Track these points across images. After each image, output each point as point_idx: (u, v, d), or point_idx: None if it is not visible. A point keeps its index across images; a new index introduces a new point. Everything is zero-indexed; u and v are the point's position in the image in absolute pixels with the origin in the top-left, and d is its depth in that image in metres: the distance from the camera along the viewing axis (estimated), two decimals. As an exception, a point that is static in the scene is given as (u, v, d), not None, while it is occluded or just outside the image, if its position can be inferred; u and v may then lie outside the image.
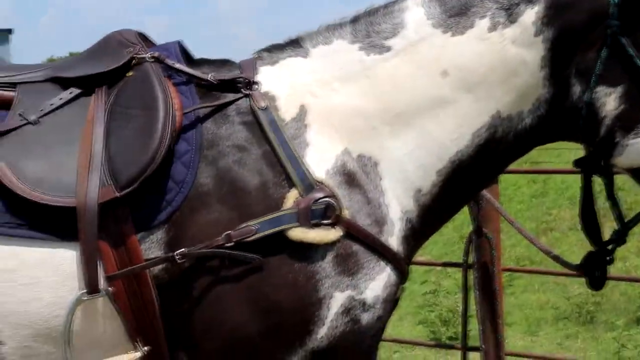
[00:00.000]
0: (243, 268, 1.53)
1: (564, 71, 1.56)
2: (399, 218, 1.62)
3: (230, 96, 1.66)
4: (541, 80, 1.56)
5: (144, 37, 1.82)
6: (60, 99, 1.72)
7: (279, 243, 1.51)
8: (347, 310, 1.56)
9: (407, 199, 1.63)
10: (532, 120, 1.60)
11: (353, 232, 1.55)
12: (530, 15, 1.54)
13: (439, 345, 4.57)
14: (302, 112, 1.63)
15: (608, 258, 1.70)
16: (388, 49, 1.62)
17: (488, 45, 1.57)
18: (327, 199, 1.52)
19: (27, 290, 1.61)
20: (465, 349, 2.31)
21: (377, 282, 1.58)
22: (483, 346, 2.43)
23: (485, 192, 2.19)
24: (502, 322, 2.38)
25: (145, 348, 1.62)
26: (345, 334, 1.57)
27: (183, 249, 1.51)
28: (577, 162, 1.71)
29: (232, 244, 1.47)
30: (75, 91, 1.73)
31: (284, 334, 1.57)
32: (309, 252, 1.53)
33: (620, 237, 1.70)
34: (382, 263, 1.59)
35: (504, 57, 1.57)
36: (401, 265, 1.63)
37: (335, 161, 1.60)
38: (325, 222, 1.51)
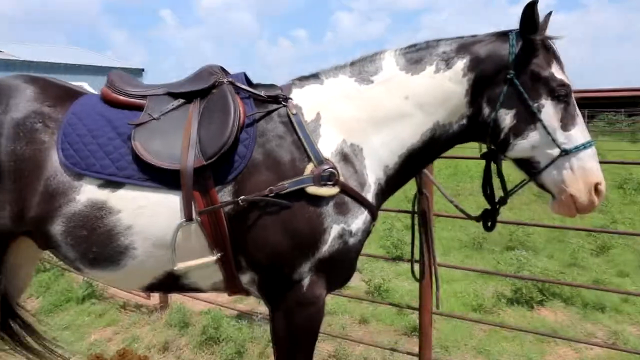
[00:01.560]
0: (279, 209, 2.09)
1: (479, 99, 2.14)
2: (373, 182, 2.21)
3: (275, 106, 2.25)
4: (465, 104, 2.15)
5: (223, 69, 2.40)
6: (173, 105, 2.31)
7: (301, 195, 2.08)
8: (340, 235, 2.13)
9: (379, 171, 2.23)
10: (458, 128, 2.20)
11: (346, 190, 2.12)
12: (460, 64, 2.14)
13: (392, 258, 6.05)
14: (318, 117, 2.22)
15: (497, 213, 2.35)
16: (372, 82, 2.24)
17: (433, 81, 2.16)
18: (330, 169, 2.09)
19: (151, 218, 2.16)
20: (412, 261, 3.01)
21: (359, 219, 2.16)
22: (421, 259, 3.35)
23: (425, 169, 2.72)
24: (433, 246, 3.10)
25: (219, 254, 2.16)
26: (339, 250, 2.14)
27: (243, 196, 2.07)
28: (483, 155, 2.31)
29: (272, 194, 2.05)
30: (182, 101, 2.32)
31: (303, 248, 2.12)
32: (319, 201, 2.09)
33: (503, 200, 2.32)
34: (362, 209, 2.17)
35: (443, 89, 2.15)
36: (373, 210, 2.22)
37: (337, 146, 2.17)
38: (329, 183, 2.08)
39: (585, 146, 2.07)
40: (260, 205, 2.11)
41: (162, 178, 2.14)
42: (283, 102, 2.25)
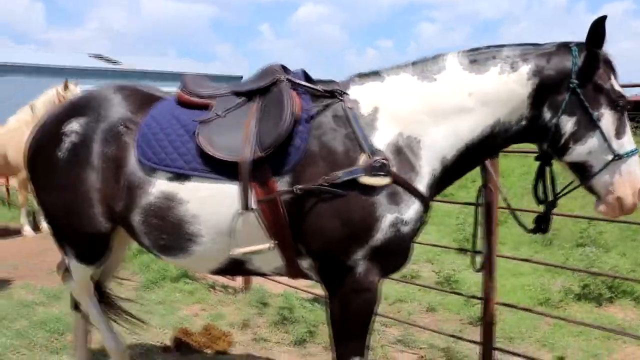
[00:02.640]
0: (334, 198, 2.17)
1: (540, 103, 2.22)
2: (428, 173, 2.26)
3: (331, 100, 2.33)
4: (527, 106, 2.23)
5: (284, 67, 2.51)
6: (237, 103, 2.46)
7: (354, 185, 2.15)
8: (394, 224, 2.18)
9: (436, 162, 2.27)
10: (517, 127, 2.27)
11: (398, 180, 2.17)
12: (525, 68, 2.22)
13: (461, 249, 5.89)
14: (375, 110, 2.29)
15: (550, 217, 2.39)
16: (435, 79, 2.30)
17: (498, 80, 2.23)
18: (382, 160, 2.16)
19: (214, 207, 2.31)
20: (473, 251, 3.01)
21: (411, 209, 2.21)
22: (483, 250, 3.29)
23: (489, 164, 2.90)
24: (495, 239, 3.27)
25: (276, 241, 2.28)
26: (392, 238, 2.20)
27: (300, 185, 2.17)
28: (538, 157, 2.37)
29: (327, 184, 2.14)
30: (245, 99, 2.46)
31: (356, 236, 2.19)
32: (372, 190, 2.15)
33: (553, 203, 2.38)
34: (414, 198, 2.22)
35: (507, 88, 2.22)
36: (426, 201, 2.26)
37: (391, 139, 2.24)
38: (381, 173, 2.15)
39: (633, 152, 2.21)
40: (315, 194, 2.19)
41: (223, 170, 2.28)
42: (339, 97, 2.33)
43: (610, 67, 2.24)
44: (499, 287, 3.71)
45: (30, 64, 30.51)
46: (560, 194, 2.41)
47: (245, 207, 2.26)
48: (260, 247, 2.32)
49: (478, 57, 2.33)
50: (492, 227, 3.23)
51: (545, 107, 2.25)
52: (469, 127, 2.29)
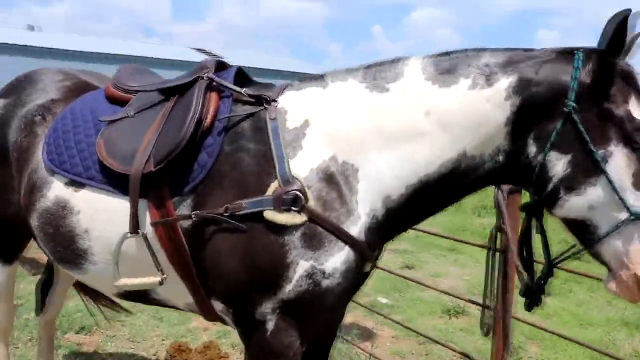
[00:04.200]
0: (236, 233, 1.79)
1: (524, 132, 1.68)
2: (366, 213, 1.80)
3: (256, 109, 1.92)
4: (503, 134, 1.70)
5: (222, 64, 2.14)
6: (152, 101, 2.11)
7: (261, 219, 1.76)
8: (309, 274, 1.77)
9: (377, 200, 1.80)
10: (491, 164, 1.74)
11: (317, 219, 1.75)
12: (504, 83, 1.69)
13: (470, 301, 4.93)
14: (305, 124, 1.85)
15: (541, 291, 1.84)
16: (388, 89, 1.82)
17: (466, 98, 1.72)
18: (296, 191, 1.74)
19: (106, 224, 2.00)
20: (482, 308, 2.60)
21: (335, 258, 1.78)
22: (491, 308, 2.68)
23: (502, 199, 2.47)
24: (511, 295, 2.65)
25: (165, 275, 1.93)
26: (308, 292, 1.78)
27: (197, 211, 1.82)
28: (523, 207, 1.90)
29: (228, 213, 1.76)
30: (161, 97, 2.10)
31: (262, 285, 1.81)
32: (283, 229, 1.75)
33: (547, 274, 1.81)
34: (341, 244, 1.77)
35: (478, 110, 1.70)
36: (361, 248, 1.80)
37: (320, 163, 1.80)
38: (294, 208, 1.74)
39: None
40: (217, 225, 1.83)
41: (118, 182, 1.96)
42: (265, 105, 1.91)
43: (630, 85, 1.62)
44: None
45: (138, 56, 30.97)
46: (558, 260, 1.83)
47: (133, 229, 1.92)
48: (147, 280, 1.97)
49: (449, 63, 1.80)
50: (507, 282, 2.58)
51: (530, 137, 1.69)
52: (424, 157, 1.78)
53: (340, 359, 4.07)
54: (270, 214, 1.75)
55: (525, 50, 1.76)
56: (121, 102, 2.20)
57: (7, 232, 2.44)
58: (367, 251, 1.85)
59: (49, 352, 3.25)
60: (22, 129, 2.29)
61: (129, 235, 1.93)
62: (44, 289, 3.17)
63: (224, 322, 2.11)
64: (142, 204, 1.93)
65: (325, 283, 1.79)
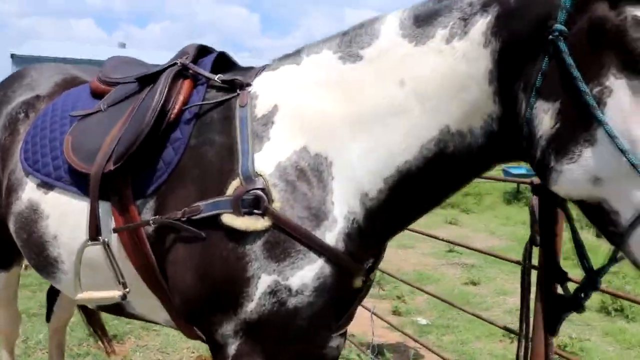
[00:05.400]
0: (193, 240, 1.55)
1: (512, 86, 1.28)
2: (343, 217, 1.49)
3: (228, 95, 1.66)
4: (490, 96, 1.31)
5: (204, 50, 1.89)
6: (126, 93, 1.90)
7: (218, 224, 1.49)
8: (273, 292, 1.47)
9: (354, 200, 1.49)
10: (485, 138, 1.35)
11: (280, 224, 1.45)
12: (481, 25, 1.31)
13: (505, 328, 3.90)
14: (274, 110, 1.57)
15: (575, 307, 1.41)
16: (361, 58, 1.50)
17: (441, 57, 1.36)
18: (257, 191, 1.46)
19: (73, 229, 1.79)
20: (519, 337, 2.09)
21: (305, 271, 1.47)
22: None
23: (536, 205, 1.94)
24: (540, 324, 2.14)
25: (127, 290, 1.72)
26: (273, 312, 1.49)
27: (156, 217, 1.60)
28: (535, 188, 1.58)
29: (184, 218, 1.52)
30: (137, 88, 1.87)
31: (219, 302, 1.55)
32: (242, 236, 1.47)
33: (589, 285, 1.37)
34: (313, 255, 1.47)
35: (455, 71, 1.34)
36: (339, 259, 1.49)
37: (290, 156, 1.50)
38: (256, 211, 1.46)
39: None
40: (175, 232, 1.58)
41: (83, 183, 1.75)
42: (239, 90, 1.64)
43: None
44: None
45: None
46: (601, 271, 1.35)
47: (92, 236, 1.71)
48: (106, 294, 1.77)
49: (429, 10, 1.42)
50: (538, 305, 2.10)
51: (520, 89, 1.27)
52: (400, 142, 1.42)
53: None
54: (228, 218, 1.47)
55: None
56: (103, 96, 1.99)
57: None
58: (350, 263, 1.51)
59: (60, 358, 3.15)
60: (6, 127, 2.17)
61: (89, 242, 1.72)
62: (52, 297, 3.06)
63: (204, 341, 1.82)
64: (106, 207, 1.72)
65: (293, 302, 1.47)
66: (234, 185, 1.49)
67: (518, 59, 1.25)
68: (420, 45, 1.39)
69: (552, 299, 1.42)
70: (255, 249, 1.47)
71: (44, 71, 2.37)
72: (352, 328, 4.53)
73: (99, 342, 3.80)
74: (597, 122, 1.10)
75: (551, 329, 1.46)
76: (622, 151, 1.06)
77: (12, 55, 25.00)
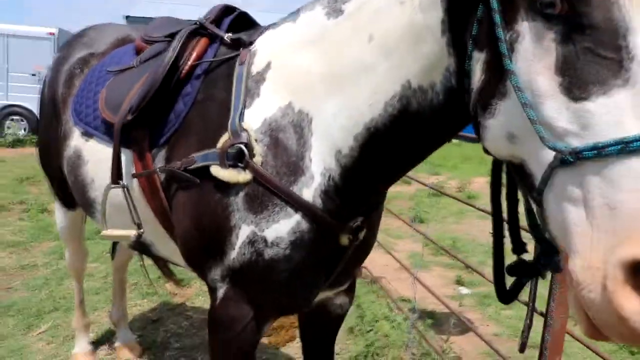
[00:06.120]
0: (190, 189, 1.67)
1: (462, 36, 1.19)
2: (320, 173, 1.52)
3: (234, 53, 1.75)
4: (444, 48, 1.25)
5: (227, 9, 1.97)
6: (157, 51, 2.02)
7: (209, 175, 1.58)
8: (251, 242, 1.55)
9: (329, 157, 1.51)
10: (446, 95, 1.29)
11: (260, 178, 1.51)
12: None
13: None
14: (266, 68, 1.63)
15: (532, 273, 1.29)
16: (342, 12, 1.49)
17: (402, 8, 1.32)
18: (240, 145, 1.52)
19: (106, 174, 1.92)
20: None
21: (280, 225, 1.53)
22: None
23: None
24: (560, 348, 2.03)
25: (141, 230, 1.90)
26: (252, 262, 1.56)
27: (160, 166, 1.76)
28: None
29: (182, 168, 1.64)
30: (165, 46, 1.97)
31: (209, 248, 1.65)
32: (227, 187, 1.56)
33: (545, 253, 1.23)
34: (290, 209, 1.52)
35: (413, 21, 1.30)
36: (315, 215, 1.52)
37: (276, 112, 1.56)
38: (239, 164, 1.52)
39: (620, 145, 0.85)
40: (177, 180, 1.71)
41: (111, 132, 1.91)
42: (243, 48, 1.72)
43: None
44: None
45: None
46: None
47: (114, 180, 1.88)
48: (123, 232, 1.95)
49: None
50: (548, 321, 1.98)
51: (468, 40, 1.17)
52: (367, 98, 1.41)
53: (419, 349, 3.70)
54: (215, 170, 1.56)
55: None
56: None
57: (63, 179, 2.56)
58: (328, 219, 1.54)
59: (120, 293, 3.47)
60: (66, 81, 2.40)
61: (111, 186, 1.89)
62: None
63: None
64: (128, 155, 1.89)
65: (269, 253, 1.54)
66: (223, 139, 1.57)
67: (464, 7, 1.17)
68: None
69: (513, 265, 1.30)
70: (238, 200, 1.55)
71: (101, 31, 2.58)
72: (404, 292, 4.58)
73: (166, 285, 4.17)
74: (507, 72, 1.01)
75: (507, 296, 1.33)
76: (523, 105, 0.97)
77: (127, 17, 26.49)
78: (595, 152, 0.87)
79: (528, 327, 1.43)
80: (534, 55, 0.97)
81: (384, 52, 1.36)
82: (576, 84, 0.91)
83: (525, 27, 0.99)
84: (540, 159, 0.97)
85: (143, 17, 25.50)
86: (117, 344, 3.41)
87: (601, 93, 0.88)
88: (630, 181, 0.84)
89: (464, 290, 5.00)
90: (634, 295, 0.82)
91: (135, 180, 1.86)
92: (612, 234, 0.84)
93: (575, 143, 0.91)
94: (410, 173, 1.76)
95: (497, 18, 1.02)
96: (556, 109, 0.93)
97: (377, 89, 1.39)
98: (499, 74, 1.04)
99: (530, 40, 0.98)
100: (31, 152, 11.17)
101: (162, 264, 3.38)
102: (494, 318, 4.43)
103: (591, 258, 0.87)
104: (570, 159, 0.90)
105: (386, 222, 6.99)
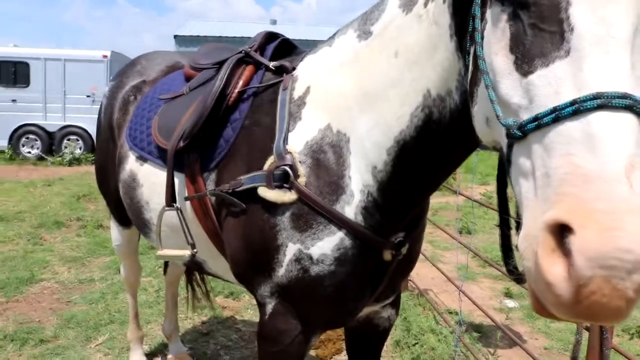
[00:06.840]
0: (239, 210, 1.73)
1: (465, 38, 1.23)
2: (359, 190, 1.58)
3: (277, 79, 1.84)
4: (454, 52, 1.30)
5: (270, 36, 2.07)
6: (205, 78, 2.12)
7: (256, 196, 1.66)
8: (297, 259, 1.61)
9: (367, 173, 1.57)
10: (462, 100, 1.33)
11: (304, 198, 1.58)
12: None
13: None
14: (306, 92, 1.71)
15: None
16: (371, 34, 1.57)
17: (420, 22, 1.39)
18: (285, 167, 1.60)
19: (160, 196, 2.03)
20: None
21: (324, 242, 1.58)
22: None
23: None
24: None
25: (195, 250, 1.97)
26: (299, 278, 1.63)
27: (212, 189, 1.84)
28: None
29: (230, 190, 1.72)
30: (213, 74, 2.08)
31: (258, 266, 1.72)
32: (274, 207, 1.63)
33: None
34: (333, 227, 1.58)
35: (429, 33, 1.36)
36: (358, 232, 1.57)
37: (316, 135, 1.63)
38: (285, 185, 1.61)
39: (573, 109, 0.84)
40: (226, 203, 1.78)
41: (164, 157, 2.02)
42: (285, 75, 1.81)
43: None
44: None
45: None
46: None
47: (168, 203, 1.98)
48: (178, 252, 2.04)
49: None
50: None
51: (468, 39, 1.24)
52: (394, 112, 1.48)
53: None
54: (262, 191, 1.64)
55: None
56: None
57: (119, 199, 2.68)
58: (369, 235, 1.60)
59: (172, 306, 3.59)
60: (121, 108, 2.55)
61: (166, 208, 1.99)
62: (167, 257, 3.51)
63: None
64: (181, 178, 1.99)
65: (315, 270, 1.60)
66: (269, 162, 1.65)
67: (464, 7, 1.22)
68: (409, 13, 1.44)
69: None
70: (284, 219, 1.62)
71: (153, 59, 2.73)
72: (451, 304, 4.53)
73: (216, 298, 4.28)
74: (478, 57, 1.05)
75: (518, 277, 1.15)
76: (486, 87, 1.01)
77: (176, 37, 27.39)
78: (536, 123, 0.89)
79: (577, 342, 1.42)
80: (494, 37, 1.02)
81: (408, 65, 1.43)
82: (525, 59, 0.94)
83: (488, 14, 1.05)
84: (504, 138, 0.99)
85: (191, 36, 26.37)
86: (169, 356, 3.54)
87: (544, 65, 0.91)
88: (561, 147, 0.85)
89: (510, 303, 4.90)
90: (562, 261, 0.80)
91: (187, 203, 1.95)
92: (546, 200, 0.85)
93: (520, 118, 0.94)
94: (458, 183, 1.78)
95: (477, 10, 1.09)
96: (512, 86, 0.96)
97: (403, 101, 1.45)
98: (476, 63, 1.08)
99: (490, 24, 1.04)
100: (87, 170, 11.72)
101: (200, 281, 3.56)
102: (543, 331, 4.34)
103: (529, 227, 0.88)
104: (518, 133, 0.93)
105: (434, 234, 6.96)
